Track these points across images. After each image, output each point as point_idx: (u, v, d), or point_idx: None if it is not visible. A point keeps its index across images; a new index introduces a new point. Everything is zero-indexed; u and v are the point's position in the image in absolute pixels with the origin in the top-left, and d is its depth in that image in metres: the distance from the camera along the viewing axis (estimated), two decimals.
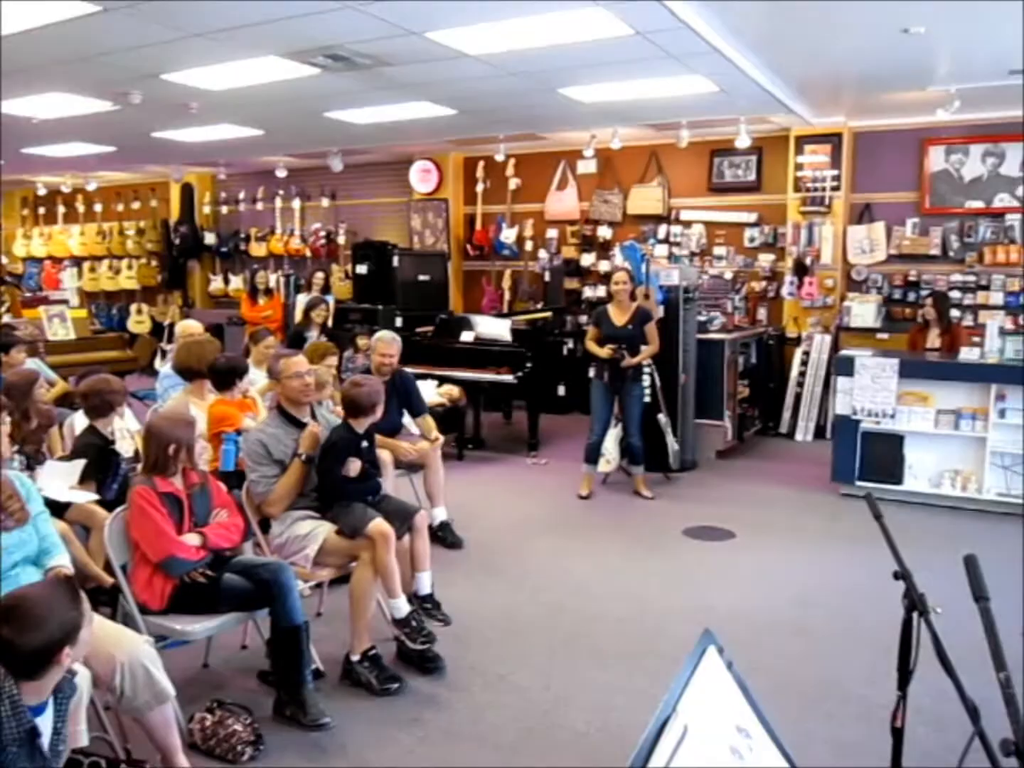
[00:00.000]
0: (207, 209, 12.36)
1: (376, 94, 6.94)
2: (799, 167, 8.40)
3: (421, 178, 10.47)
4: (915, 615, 1.93)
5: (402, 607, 3.45)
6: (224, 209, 12.19)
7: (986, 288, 7.77)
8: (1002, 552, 4.86)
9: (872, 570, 4.65)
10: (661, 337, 6.34)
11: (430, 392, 6.80)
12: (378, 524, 3.40)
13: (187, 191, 12.27)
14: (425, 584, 3.64)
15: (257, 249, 11.67)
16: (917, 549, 4.99)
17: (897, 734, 2.04)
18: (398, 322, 9.08)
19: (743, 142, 8.13)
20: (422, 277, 9.92)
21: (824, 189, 8.27)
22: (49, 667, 1.97)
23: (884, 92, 7.06)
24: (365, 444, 3.68)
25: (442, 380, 7.22)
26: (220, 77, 6.27)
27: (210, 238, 12.12)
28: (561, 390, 8.09)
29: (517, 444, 7.86)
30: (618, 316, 6.20)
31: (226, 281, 12.04)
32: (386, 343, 5.15)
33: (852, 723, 3.16)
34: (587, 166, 9.65)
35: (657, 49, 5.53)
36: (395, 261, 9.78)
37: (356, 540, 3.44)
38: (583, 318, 9.59)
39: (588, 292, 9.85)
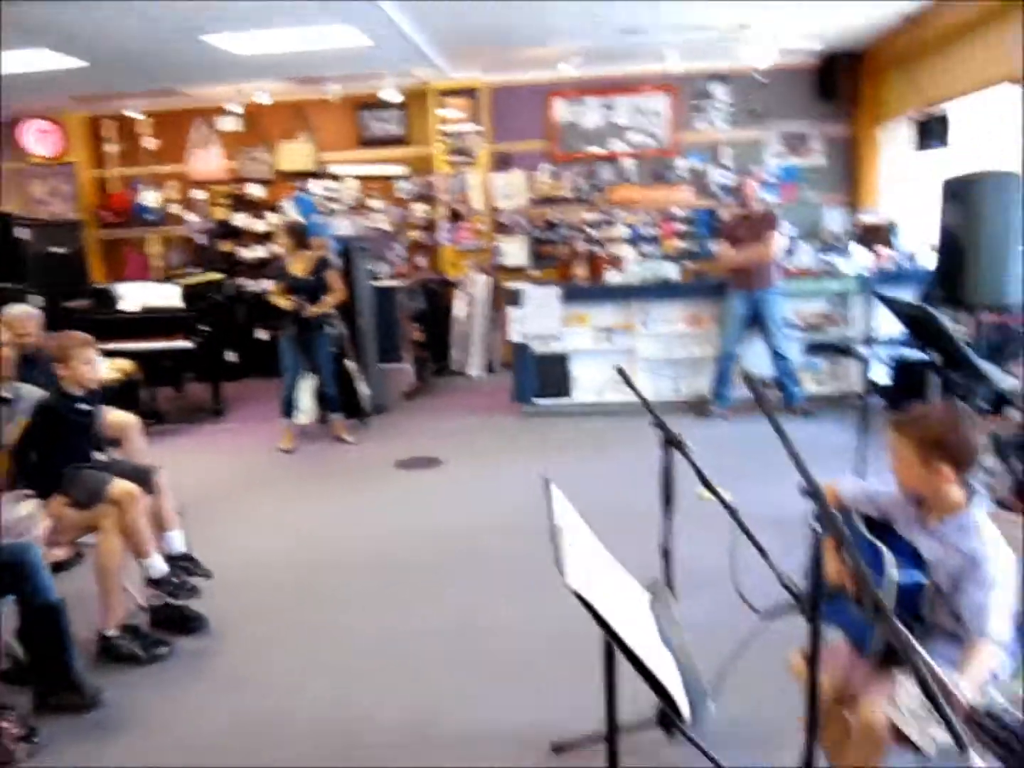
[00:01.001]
0: None
1: None
2: (442, 120, 8.89)
3: (38, 139, 9.36)
4: (671, 449, 2.37)
5: (159, 566, 3.30)
6: None
7: (611, 223, 8.90)
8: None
9: (566, 471, 5.34)
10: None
11: (103, 369, 6.28)
12: (120, 484, 3.21)
13: None
14: (177, 543, 3.49)
15: None
16: (584, 448, 5.81)
17: (666, 554, 2.49)
18: (39, 301, 8.14)
19: (390, 96, 8.39)
20: (55, 249, 8.93)
21: (467, 141, 8.85)
22: None
23: (513, 48, 7.72)
24: (86, 407, 3.42)
25: (111, 354, 6.67)
26: None
27: None
28: (231, 356, 7.86)
29: (198, 414, 7.53)
30: (297, 267, 6.21)
31: None
32: (21, 321, 4.41)
33: None
34: (230, 123, 9.31)
35: None
36: (19, 233, 8.70)
37: (94, 509, 3.21)
38: (241, 280, 9.35)
39: (245, 253, 9.58)
